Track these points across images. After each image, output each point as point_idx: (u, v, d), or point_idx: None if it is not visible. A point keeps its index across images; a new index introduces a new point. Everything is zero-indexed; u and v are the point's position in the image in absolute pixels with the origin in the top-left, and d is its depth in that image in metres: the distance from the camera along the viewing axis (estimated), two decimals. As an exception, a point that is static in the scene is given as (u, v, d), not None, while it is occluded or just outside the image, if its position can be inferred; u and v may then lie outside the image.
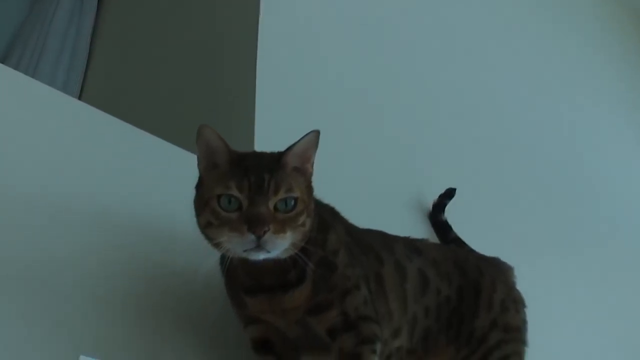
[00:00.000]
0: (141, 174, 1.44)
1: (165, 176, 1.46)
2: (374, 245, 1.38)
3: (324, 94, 1.84)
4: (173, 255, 1.38)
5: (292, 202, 1.15)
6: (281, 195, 1.14)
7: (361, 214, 1.50)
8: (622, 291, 2.26)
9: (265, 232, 1.10)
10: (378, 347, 1.24)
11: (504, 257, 1.63)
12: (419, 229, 1.81)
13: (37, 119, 1.37)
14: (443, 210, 1.85)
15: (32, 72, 2.55)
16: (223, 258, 1.23)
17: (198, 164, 1.19)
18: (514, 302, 1.50)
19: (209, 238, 1.15)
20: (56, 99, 1.46)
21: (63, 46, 2.67)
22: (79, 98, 2.45)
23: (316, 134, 1.19)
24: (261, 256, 1.13)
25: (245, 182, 1.13)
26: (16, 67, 2.38)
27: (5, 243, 1.20)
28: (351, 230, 1.36)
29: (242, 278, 1.23)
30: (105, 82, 2.55)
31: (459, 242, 1.77)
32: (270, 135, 1.59)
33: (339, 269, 1.23)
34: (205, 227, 1.15)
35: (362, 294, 1.25)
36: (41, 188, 1.30)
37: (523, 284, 1.62)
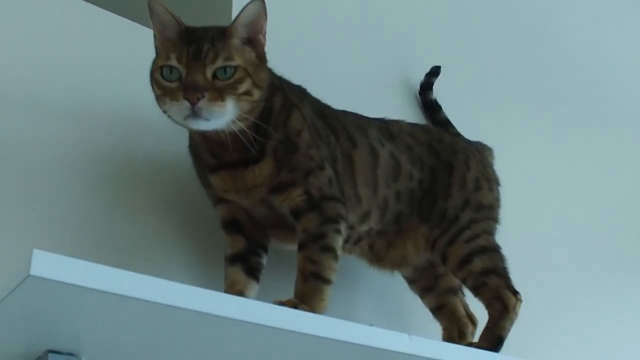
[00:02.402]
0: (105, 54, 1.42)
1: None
2: (347, 126, 1.39)
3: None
4: (147, 138, 1.40)
5: (232, 71, 1.17)
6: (219, 63, 1.16)
7: (345, 95, 1.50)
8: (619, 175, 2.25)
9: (198, 99, 1.13)
10: (342, 227, 1.26)
11: (490, 138, 1.64)
12: (406, 110, 1.79)
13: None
14: (431, 89, 1.82)
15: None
16: (191, 138, 1.29)
17: (154, 39, 1.23)
18: (488, 181, 1.51)
19: (162, 110, 1.19)
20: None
21: None
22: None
23: (261, 2, 1.20)
24: (201, 125, 1.16)
25: (185, 53, 1.16)
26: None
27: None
28: (322, 110, 1.38)
29: (204, 156, 1.27)
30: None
31: (447, 124, 1.75)
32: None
33: (301, 149, 1.25)
34: (156, 99, 1.19)
35: (326, 174, 1.27)
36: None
37: (510, 166, 1.64)
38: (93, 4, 1.42)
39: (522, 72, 2.14)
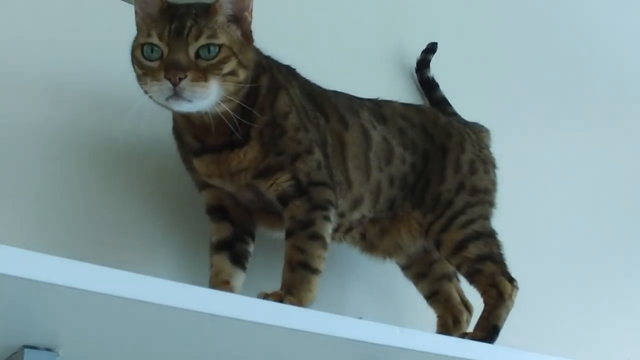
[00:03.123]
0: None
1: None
2: (338, 107, 1.34)
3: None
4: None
5: (216, 50, 1.12)
6: (202, 41, 1.12)
7: (339, 73, 1.45)
8: (622, 161, 2.20)
9: (180, 79, 1.09)
10: (332, 213, 1.22)
11: (488, 118, 1.59)
12: (402, 88, 1.74)
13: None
14: (427, 67, 1.76)
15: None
16: (174, 120, 1.24)
17: (135, 16, 1.17)
18: (483, 163, 1.45)
19: (143, 91, 1.14)
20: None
21: None
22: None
23: None
24: (183, 106, 1.12)
25: (166, 30, 1.12)
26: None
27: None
28: (312, 91, 1.33)
29: (188, 139, 1.23)
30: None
31: (444, 103, 1.70)
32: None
33: (289, 133, 1.21)
34: (137, 79, 1.15)
35: (315, 158, 1.22)
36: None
37: (508, 148, 1.59)
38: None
39: (522, 49, 2.08)
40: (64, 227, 1.24)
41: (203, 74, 1.10)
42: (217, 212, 1.27)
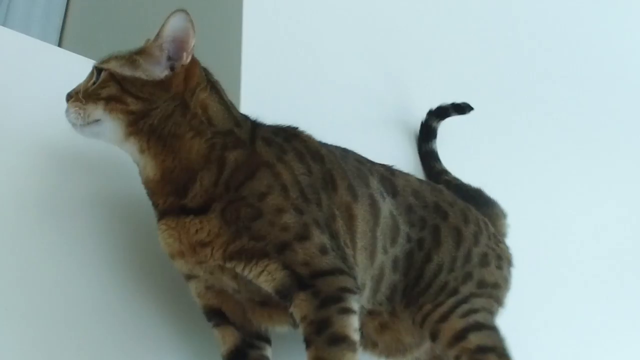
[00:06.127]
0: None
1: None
2: (348, 173, 1.21)
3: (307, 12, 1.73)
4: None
5: (99, 75, 1.14)
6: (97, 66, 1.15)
7: (343, 135, 1.34)
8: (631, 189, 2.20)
9: (67, 101, 1.15)
10: (352, 301, 1.05)
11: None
12: (403, 153, 1.70)
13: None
14: (434, 136, 1.71)
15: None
16: None
17: None
18: (498, 258, 1.34)
19: None
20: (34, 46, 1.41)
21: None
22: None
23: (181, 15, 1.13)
24: (72, 127, 1.14)
25: None
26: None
27: None
28: (320, 152, 1.20)
29: (149, 197, 1.16)
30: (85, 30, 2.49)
31: (444, 173, 1.64)
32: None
33: (266, 216, 1.07)
34: None
35: (315, 243, 1.07)
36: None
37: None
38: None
39: (526, 99, 2.10)
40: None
41: (81, 97, 1.14)
42: (214, 314, 1.16)
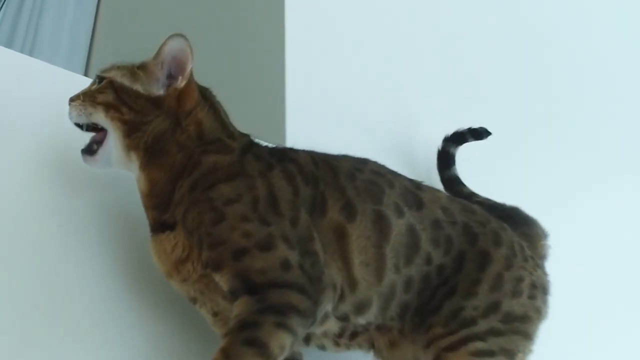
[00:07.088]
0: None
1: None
2: (349, 191, 1.16)
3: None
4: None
5: (99, 81, 1.19)
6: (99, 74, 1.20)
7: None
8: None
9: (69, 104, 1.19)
10: (295, 321, 0.99)
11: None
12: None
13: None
14: (453, 163, 1.69)
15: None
16: None
17: None
18: (532, 287, 1.22)
19: None
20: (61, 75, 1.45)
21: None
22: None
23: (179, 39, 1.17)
24: (84, 160, 1.18)
25: None
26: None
27: None
28: (314, 174, 1.17)
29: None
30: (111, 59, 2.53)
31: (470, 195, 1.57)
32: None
33: (228, 220, 1.05)
34: None
35: (278, 256, 1.03)
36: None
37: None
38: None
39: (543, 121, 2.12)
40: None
41: (81, 96, 1.20)
42: None
